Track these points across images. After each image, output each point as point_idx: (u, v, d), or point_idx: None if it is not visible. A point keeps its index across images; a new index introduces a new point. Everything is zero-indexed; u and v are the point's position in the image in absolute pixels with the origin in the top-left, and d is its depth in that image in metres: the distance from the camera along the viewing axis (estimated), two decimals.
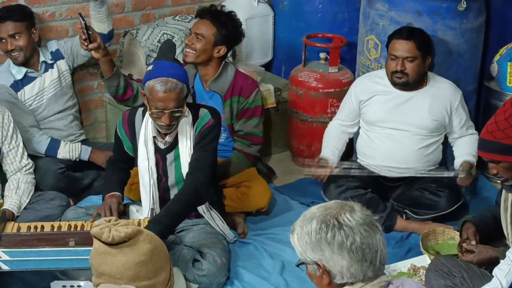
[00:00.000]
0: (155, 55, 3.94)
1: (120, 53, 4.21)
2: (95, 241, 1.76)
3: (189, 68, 3.50)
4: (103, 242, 1.73)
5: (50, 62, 3.72)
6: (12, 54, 3.56)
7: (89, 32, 3.38)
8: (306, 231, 1.73)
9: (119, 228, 1.74)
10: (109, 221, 1.79)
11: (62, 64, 3.75)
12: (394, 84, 3.46)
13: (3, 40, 3.54)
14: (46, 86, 3.69)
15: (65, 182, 3.51)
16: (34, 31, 3.64)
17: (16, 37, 3.54)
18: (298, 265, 1.80)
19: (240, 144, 3.58)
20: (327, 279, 1.74)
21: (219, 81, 3.51)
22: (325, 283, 1.75)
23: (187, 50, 3.47)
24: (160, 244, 1.82)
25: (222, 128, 3.54)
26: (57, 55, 3.75)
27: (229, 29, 3.47)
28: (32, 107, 3.65)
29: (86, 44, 3.40)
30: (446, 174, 3.48)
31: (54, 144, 3.60)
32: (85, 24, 3.35)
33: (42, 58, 3.69)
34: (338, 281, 1.73)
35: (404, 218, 3.51)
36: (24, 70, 3.62)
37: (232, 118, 3.56)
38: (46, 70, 3.70)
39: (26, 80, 3.64)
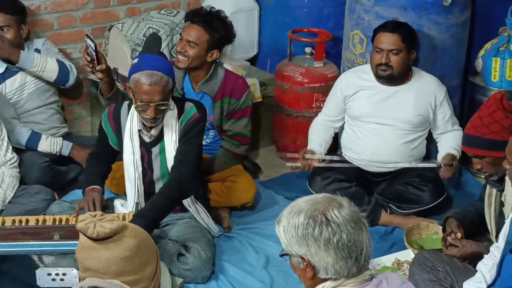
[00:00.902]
0: (140, 49, 3.92)
1: (105, 47, 4.19)
2: (81, 236, 1.77)
3: (176, 69, 3.48)
4: (88, 237, 1.74)
5: None
6: None
7: (97, 54, 3.20)
8: (293, 224, 1.73)
9: (104, 223, 1.74)
10: (95, 216, 1.78)
11: None
12: (379, 77, 3.48)
13: None
14: (28, 81, 3.65)
15: (50, 175, 3.49)
16: (24, 27, 3.63)
17: (5, 29, 3.52)
18: (282, 255, 1.80)
19: (229, 144, 3.57)
20: (310, 273, 1.74)
21: (209, 82, 3.49)
22: (308, 276, 1.75)
23: (180, 57, 3.40)
24: (145, 238, 1.81)
25: (210, 127, 3.55)
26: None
27: (221, 33, 3.44)
28: (13, 101, 3.62)
29: (91, 66, 3.22)
30: (428, 164, 3.50)
31: (35, 137, 3.58)
32: (95, 45, 3.17)
33: None
34: (322, 276, 1.73)
35: (388, 212, 3.53)
36: (5, 65, 3.58)
37: (221, 119, 3.54)
38: None
39: (8, 73, 3.61)
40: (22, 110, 3.65)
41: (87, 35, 3.24)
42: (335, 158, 3.61)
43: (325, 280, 1.74)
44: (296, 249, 1.73)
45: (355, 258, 1.72)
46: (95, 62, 3.20)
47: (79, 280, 1.80)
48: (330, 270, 1.72)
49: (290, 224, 1.73)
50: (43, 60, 3.59)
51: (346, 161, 3.60)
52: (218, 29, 3.42)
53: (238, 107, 3.53)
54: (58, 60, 3.66)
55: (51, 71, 3.62)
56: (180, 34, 3.46)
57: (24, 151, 3.54)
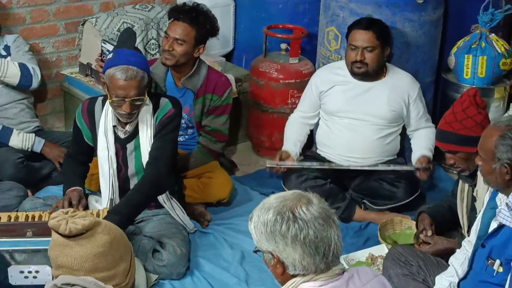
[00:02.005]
0: (114, 43, 3.89)
1: (79, 42, 4.15)
2: (53, 233, 1.76)
3: (159, 65, 3.46)
4: (60, 234, 1.73)
5: (3, 54, 3.66)
6: None
7: None
8: (262, 221, 1.74)
9: (76, 220, 1.73)
10: (67, 213, 1.77)
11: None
12: (354, 74, 3.50)
13: None
14: None
15: (24, 172, 3.45)
16: None
17: None
18: (255, 251, 1.82)
19: (206, 140, 3.56)
20: (280, 269, 1.76)
21: (193, 78, 3.47)
22: (279, 272, 1.76)
23: (167, 56, 3.37)
24: (119, 235, 1.81)
25: (190, 124, 3.53)
26: (8, 51, 3.69)
27: (207, 28, 3.43)
28: None
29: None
30: (405, 168, 3.53)
31: (6, 131, 3.53)
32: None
33: None
34: (291, 272, 1.75)
35: (362, 208, 3.56)
36: None
37: (202, 115, 3.53)
38: None
39: None
40: None
41: (104, 41, 3.20)
42: (311, 164, 3.57)
43: (294, 276, 1.75)
44: (265, 245, 1.75)
45: (322, 254, 1.72)
46: None
47: (52, 278, 1.79)
48: (297, 266, 1.73)
49: (260, 221, 1.75)
50: (3, 66, 3.54)
51: (322, 164, 3.59)
52: (205, 24, 3.42)
53: (220, 103, 3.52)
54: (20, 65, 3.60)
55: (13, 76, 3.58)
56: (166, 32, 3.41)
57: None
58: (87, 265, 1.71)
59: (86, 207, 3.05)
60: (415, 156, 3.54)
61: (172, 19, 3.43)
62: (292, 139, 3.65)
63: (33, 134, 3.60)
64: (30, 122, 3.74)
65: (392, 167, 3.54)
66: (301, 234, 1.71)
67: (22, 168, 3.44)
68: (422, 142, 3.57)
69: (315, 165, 3.55)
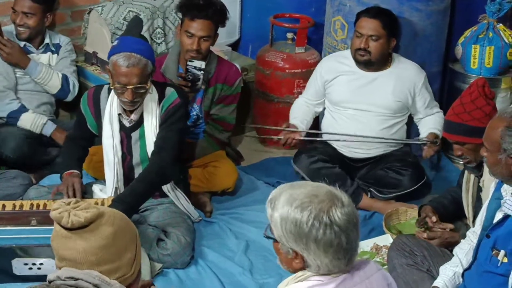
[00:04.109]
0: (120, 32, 3.88)
1: (85, 31, 4.15)
2: (55, 224, 1.70)
3: (170, 63, 3.45)
4: (63, 227, 1.67)
5: (52, 49, 3.75)
6: (19, 28, 3.60)
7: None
8: (293, 220, 1.66)
9: (78, 212, 1.66)
10: (69, 204, 1.69)
11: (55, 58, 3.78)
12: (357, 61, 3.49)
13: (16, 12, 3.57)
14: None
15: (27, 147, 3.45)
16: (49, 16, 3.66)
17: (29, 15, 3.57)
18: (267, 237, 1.75)
19: (212, 128, 3.56)
20: (300, 264, 1.71)
21: (206, 68, 3.46)
22: (294, 266, 1.72)
23: (193, 54, 3.34)
24: (124, 224, 1.74)
25: (201, 115, 3.52)
26: (57, 50, 3.77)
27: (224, 21, 3.44)
28: (18, 75, 3.64)
29: (189, 85, 3.36)
30: (412, 141, 3.52)
31: (21, 109, 3.57)
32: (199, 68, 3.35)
33: (47, 40, 3.73)
34: (312, 271, 1.71)
35: (369, 196, 3.55)
36: (22, 43, 3.64)
37: (211, 104, 3.53)
38: (44, 52, 3.72)
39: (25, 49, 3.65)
40: (21, 88, 3.66)
41: (192, 59, 3.33)
42: (316, 133, 3.58)
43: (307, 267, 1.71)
44: (291, 244, 1.68)
45: (349, 257, 1.70)
46: (199, 83, 3.34)
47: (56, 268, 1.73)
48: (323, 268, 1.69)
49: (290, 219, 1.67)
50: (48, 75, 3.66)
51: (326, 139, 3.59)
52: (223, 19, 3.42)
53: (230, 92, 3.52)
54: (63, 78, 3.71)
55: (53, 87, 3.70)
56: (187, 31, 3.34)
57: (1, 126, 3.53)
58: (92, 259, 1.66)
59: (84, 192, 3.05)
60: (422, 135, 3.54)
61: (189, 16, 3.36)
62: (299, 117, 3.64)
63: (46, 117, 3.63)
64: (48, 111, 3.77)
65: (399, 140, 3.53)
66: (335, 241, 1.65)
67: (25, 143, 3.45)
68: (430, 124, 3.57)
69: (322, 133, 3.54)
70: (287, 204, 1.68)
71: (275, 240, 1.73)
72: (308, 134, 3.61)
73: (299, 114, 3.66)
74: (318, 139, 3.57)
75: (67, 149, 3.20)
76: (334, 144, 3.62)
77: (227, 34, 4.45)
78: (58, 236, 1.69)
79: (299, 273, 1.73)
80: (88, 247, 1.66)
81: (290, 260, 1.72)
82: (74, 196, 2.95)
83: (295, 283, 1.72)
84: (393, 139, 3.54)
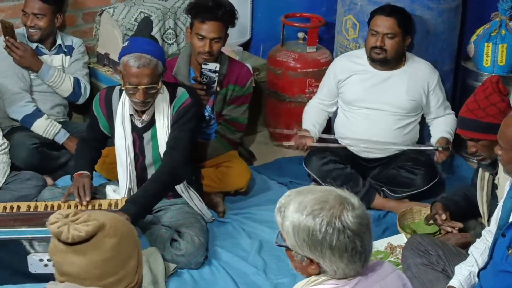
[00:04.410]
0: (132, 33, 3.89)
1: (96, 32, 4.16)
2: (53, 238, 1.59)
3: (181, 65, 3.45)
4: (62, 241, 1.56)
5: (64, 49, 3.76)
6: (30, 30, 3.62)
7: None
8: (306, 228, 1.65)
9: (78, 226, 1.55)
10: (67, 216, 1.58)
11: (68, 60, 3.79)
12: (372, 60, 3.48)
13: (26, 14, 3.59)
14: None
15: (38, 157, 3.46)
16: (59, 16, 3.67)
17: (39, 17, 3.59)
18: (279, 246, 1.75)
19: (224, 129, 3.55)
20: (315, 271, 1.70)
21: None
22: (310, 271, 1.71)
23: (206, 56, 3.34)
24: (126, 232, 1.63)
25: (213, 116, 3.52)
26: (70, 52, 3.79)
27: (233, 22, 3.44)
28: (32, 77, 3.66)
29: (205, 88, 3.37)
30: (425, 147, 3.50)
31: (36, 113, 3.58)
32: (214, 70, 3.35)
33: (59, 41, 3.74)
34: (328, 275, 1.70)
35: (381, 196, 3.53)
36: (35, 44, 3.66)
37: (223, 105, 3.53)
38: (57, 53, 3.74)
39: (36, 51, 3.66)
40: (34, 89, 3.68)
41: (206, 62, 3.33)
42: (329, 137, 3.58)
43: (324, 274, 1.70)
44: (306, 252, 1.67)
45: (364, 260, 1.69)
46: (214, 85, 3.34)
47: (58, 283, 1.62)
48: (339, 273, 1.69)
49: (302, 227, 1.65)
50: (60, 78, 3.67)
51: (337, 145, 3.58)
52: (233, 20, 3.42)
53: (242, 93, 3.53)
54: (75, 82, 3.72)
55: (64, 90, 3.72)
56: (198, 33, 3.33)
57: (14, 132, 3.54)
58: (95, 273, 1.57)
59: (94, 193, 3.06)
60: (434, 140, 3.52)
61: (199, 19, 3.35)
62: (311, 122, 3.63)
63: (60, 125, 3.63)
64: (61, 113, 3.79)
65: (411, 146, 3.51)
66: (350, 245, 1.64)
67: (36, 153, 3.45)
68: (442, 127, 3.55)
69: (333, 138, 3.54)
70: (297, 212, 1.67)
71: (287, 248, 1.72)
72: (320, 139, 3.59)
73: (311, 118, 3.65)
74: (330, 145, 3.54)
75: (79, 151, 3.21)
76: (346, 144, 3.60)
77: (238, 34, 4.45)
78: (57, 251, 1.58)
79: (313, 277, 1.72)
80: (91, 262, 1.56)
81: (305, 267, 1.71)
82: (84, 195, 2.96)
83: (309, 287, 1.71)
84: (405, 146, 3.52)
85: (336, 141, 3.62)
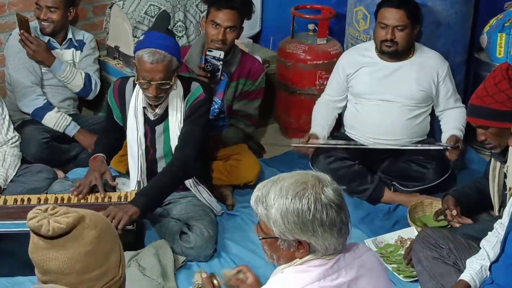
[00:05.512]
0: (142, 26, 3.89)
1: (106, 25, 4.16)
2: (32, 235, 1.55)
3: (193, 55, 3.44)
4: (43, 236, 1.52)
5: (75, 44, 3.78)
6: (43, 23, 3.64)
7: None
8: (294, 210, 1.67)
9: (58, 218, 1.52)
10: (46, 210, 1.55)
11: (78, 55, 3.81)
12: (383, 53, 3.44)
13: (40, 7, 3.61)
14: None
15: (48, 152, 3.48)
16: (72, 10, 3.70)
17: (52, 10, 3.61)
18: (263, 239, 1.77)
19: (237, 121, 3.56)
20: (305, 253, 1.73)
21: (230, 61, 3.45)
22: (299, 255, 1.73)
23: (219, 45, 3.32)
24: (105, 224, 1.62)
25: (223, 109, 3.51)
26: (81, 47, 3.79)
27: (250, 13, 3.42)
28: (43, 71, 3.68)
29: (209, 76, 3.35)
30: (433, 147, 3.47)
31: (47, 106, 3.59)
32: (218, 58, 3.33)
33: (70, 36, 3.75)
34: (317, 256, 1.73)
35: (391, 190, 3.51)
36: (46, 38, 3.67)
37: (233, 99, 3.51)
38: (68, 48, 3.75)
39: (49, 45, 3.68)
40: (45, 83, 3.69)
41: (210, 49, 3.31)
42: (337, 142, 3.55)
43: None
44: (297, 235, 1.69)
45: (347, 232, 1.74)
46: (218, 73, 3.32)
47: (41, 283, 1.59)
48: (330, 249, 1.72)
49: (291, 211, 1.68)
50: (72, 74, 3.69)
51: (348, 143, 3.55)
52: (247, 8, 3.39)
53: (253, 88, 3.51)
54: (86, 78, 3.74)
55: (75, 86, 3.73)
56: (213, 20, 3.32)
57: (25, 126, 3.55)
58: (78, 267, 1.54)
59: (112, 187, 3.06)
60: (444, 137, 3.49)
61: (215, 7, 3.34)
62: (320, 123, 3.61)
63: (70, 118, 3.64)
64: (72, 106, 3.81)
65: (420, 147, 3.48)
66: (338, 219, 1.69)
67: (45, 148, 3.47)
68: (452, 123, 3.51)
69: (340, 143, 3.50)
70: (281, 197, 1.69)
71: (272, 238, 1.73)
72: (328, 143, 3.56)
73: (320, 120, 3.62)
74: (338, 146, 3.51)
75: (98, 139, 3.24)
76: (355, 136, 3.58)
77: (248, 26, 4.41)
78: (37, 248, 1.55)
79: (298, 260, 1.74)
80: (73, 255, 1.53)
81: (292, 253, 1.73)
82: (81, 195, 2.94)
83: (294, 267, 1.73)
84: (414, 146, 3.48)
85: (344, 139, 3.58)
